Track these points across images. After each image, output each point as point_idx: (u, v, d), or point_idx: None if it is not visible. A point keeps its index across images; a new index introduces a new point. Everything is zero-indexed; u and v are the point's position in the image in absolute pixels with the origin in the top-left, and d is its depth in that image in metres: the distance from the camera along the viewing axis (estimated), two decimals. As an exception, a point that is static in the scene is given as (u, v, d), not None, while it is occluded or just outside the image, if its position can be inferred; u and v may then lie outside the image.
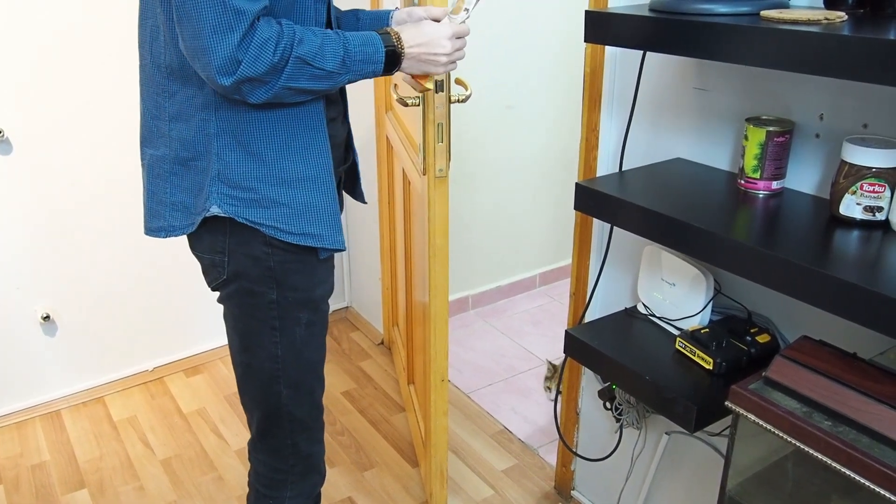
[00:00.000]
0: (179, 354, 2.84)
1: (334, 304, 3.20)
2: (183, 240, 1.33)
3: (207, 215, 1.22)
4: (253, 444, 1.44)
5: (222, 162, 1.19)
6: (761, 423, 1.03)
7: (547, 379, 2.51)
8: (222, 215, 1.21)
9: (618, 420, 1.78)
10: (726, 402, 1.09)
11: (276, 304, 1.26)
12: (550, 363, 2.48)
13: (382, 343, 3.02)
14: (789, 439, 1.00)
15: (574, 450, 2.04)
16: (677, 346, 1.39)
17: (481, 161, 3.09)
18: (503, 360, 2.92)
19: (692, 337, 1.37)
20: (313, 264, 1.28)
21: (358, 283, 3.17)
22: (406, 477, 2.25)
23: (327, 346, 3.03)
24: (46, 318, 2.49)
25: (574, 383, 1.99)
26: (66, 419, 2.55)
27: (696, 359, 1.35)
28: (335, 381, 2.76)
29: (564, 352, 1.54)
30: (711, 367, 1.32)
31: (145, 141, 1.29)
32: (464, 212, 3.13)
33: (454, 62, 1.29)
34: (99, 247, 2.53)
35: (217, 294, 1.34)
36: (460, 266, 3.22)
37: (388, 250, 2.76)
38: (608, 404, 1.78)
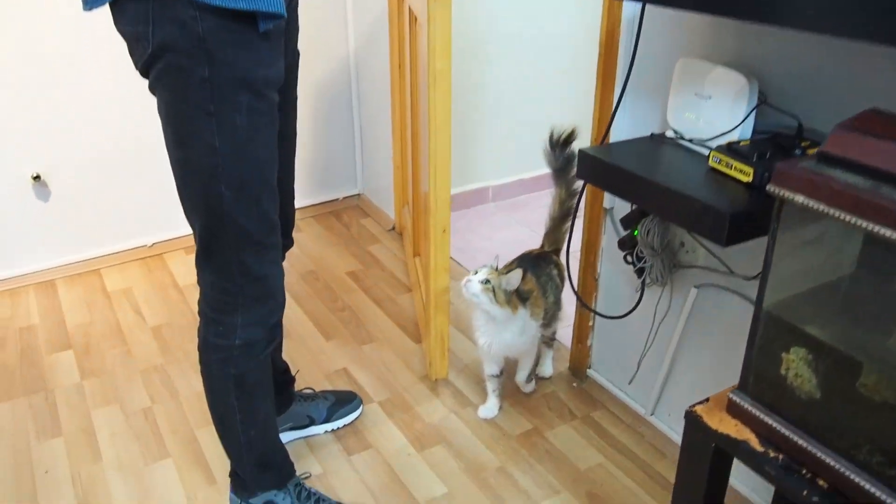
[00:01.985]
0: (180, 231, 2.69)
1: (346, 190, 3.03)
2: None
3: None
4: (198, 263, 1.27)
5: None
6: (813, 204, 0.83)
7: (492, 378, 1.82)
8: None
9: (640, 275, 1.59)
10: (768, 187, 0.88)
11: (209, 83, 1.06)
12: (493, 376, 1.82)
13: (394, 229, 2.84)
14: (851, 219, 0.79)
15: (593, 308, 1.86)
16: (711, 163, 1.18)
17: (504, 39, 2.85)
18: (520, 248, 2.71)
19: (729, 149, 1.15)
20: (251, 38, 1.07)
21: (371, 170, 2.98)
22: (407, 352, 2.09)
23: (334, 230, 2.88)
24: (37, 178, 2.35)
25: (592, 246, 1.80)
26: (59, 288, 2.44)
27: (732, 173, 1.14)
28: (340, 262, 2.61)
29: (577, 175, 1.33)
30: (751, 179, 1.11)
31: None
32: (487, 97, 2.90)
33: None
34: (96, 111, 2.37)
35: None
36: (481, 155, 3.01)
37: (399, 127, 2.56)
38: (629, 257, 1.58)
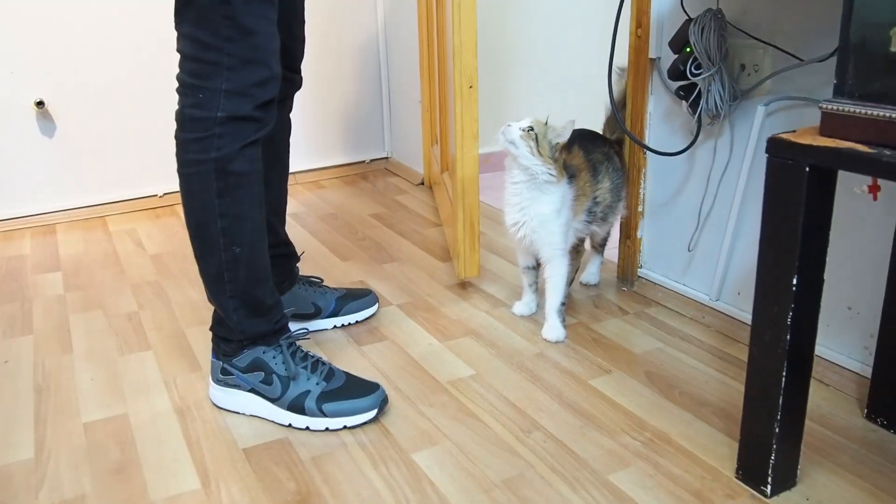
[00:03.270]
0: (193, 183, 2.51)
1: (374, 153, 2.83)
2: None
3: None
4: (176, 17, 1.06)
5: None
6: None
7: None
8: None
9: (695, 111, 1.33)
10: None
11: None
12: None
13: (423, 183, 2.62)
14: None
15: (645, 144, 1.58)
16: None
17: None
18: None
19: None
20: None
21: (399, 132, 2.78)
22: (433, 268, 1.84)
23: (359, 186, 2.66)
24: (40, 104, 2.19)
25: (639, 112, 1.55)
26: (59, 232, 2.25)
27: None
28: (363, 207, 2.38)
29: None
30: None
31: None
32: (521, 48, 2.71)
33: None
34: (111, 34, 2.23)
35: None
36: (517, 111, 2.81)
37: (427, 65, 2.36)
38: (682, 91, 1.33)
